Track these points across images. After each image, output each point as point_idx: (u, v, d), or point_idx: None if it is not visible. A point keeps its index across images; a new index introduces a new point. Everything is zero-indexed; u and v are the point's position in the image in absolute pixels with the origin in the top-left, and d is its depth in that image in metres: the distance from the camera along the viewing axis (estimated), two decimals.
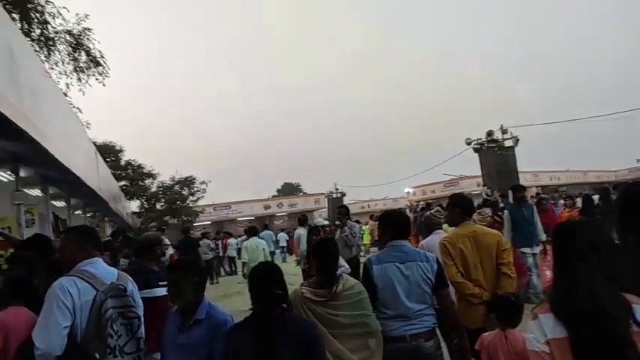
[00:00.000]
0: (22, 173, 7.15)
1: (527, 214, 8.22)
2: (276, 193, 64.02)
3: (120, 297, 2.72)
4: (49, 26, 13.35)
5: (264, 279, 2.63)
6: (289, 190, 67.43)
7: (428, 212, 5.75)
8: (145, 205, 30.59)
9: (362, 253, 10.80)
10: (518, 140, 18.59)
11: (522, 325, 3.13)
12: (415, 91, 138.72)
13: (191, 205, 31.61)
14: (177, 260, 3.06)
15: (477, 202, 11.92)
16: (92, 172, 10.64)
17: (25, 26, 12.51)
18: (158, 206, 30.61)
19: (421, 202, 29.40)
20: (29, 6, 12.27)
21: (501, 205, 11.04)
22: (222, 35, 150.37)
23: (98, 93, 30.21)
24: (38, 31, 13.19)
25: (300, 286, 3.08)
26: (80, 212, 14.33)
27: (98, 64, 14.99)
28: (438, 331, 3.35)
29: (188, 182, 31.64)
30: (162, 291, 3.87)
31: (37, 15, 12.74)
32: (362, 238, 17.73)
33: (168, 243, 10.77)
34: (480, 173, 19.89)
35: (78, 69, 14.69)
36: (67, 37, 14.06)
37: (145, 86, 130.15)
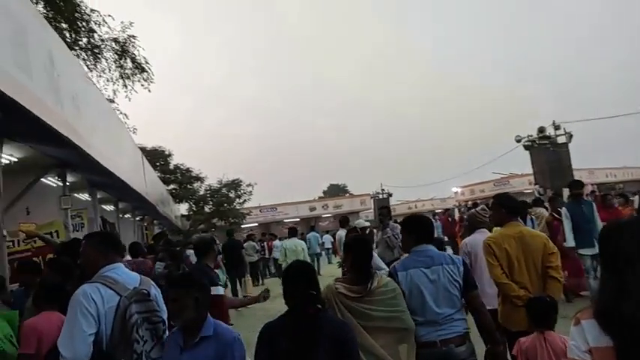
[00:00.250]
0: (69, 178, 7.35)
1: (586, 211, 7.66)
2: (322, 195, 64.16)
3: (144, 302, 2.66)
4: (95, 34, 13.79)
5: (298, 279, 2.61)
6: (335, 191, 67.47)
7: (472, 210, 5.54)
8: (194, 208, 31.32)
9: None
10: (571, 136, 17.84)
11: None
12: (464, 88, 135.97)
13: (238, 207, 32.11)
14: (179, 275, 2.87)
15: (529, 200, 11.48)
16: (138, 176, 10.89)
17: (73, 35, 12.97)
18: (206, 209, 31.29)
19: (469, 202, 28.69)
20: (76, 15, 12.68)
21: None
22: (261, 35, 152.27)
23: (145, 97, 31.13)
24: (85, 40, 13.63)
25: (335, 281, 3.06)
26: (129, 216, 14.73)
27: (143, 70, 15.32)
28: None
29: (235, 185, 32.17)
30: (221, 289, 4.39)
31: (84, 24, 13.16)
32: None
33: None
34: (531, 171, 19.26)
35: (124, 75, 15.10)
36: (113, 45, 14.47)
37: (184, 88, 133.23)
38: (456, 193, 44.11)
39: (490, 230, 4.70)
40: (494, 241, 3.95)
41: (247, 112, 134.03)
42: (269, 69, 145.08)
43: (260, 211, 38.73)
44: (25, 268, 4.37)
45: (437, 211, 35.00)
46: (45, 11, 11.88)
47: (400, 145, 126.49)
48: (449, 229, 16.57)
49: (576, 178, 16.45)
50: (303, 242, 9.94)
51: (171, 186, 29.85)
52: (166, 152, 30.58)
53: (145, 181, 11.89)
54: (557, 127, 18.21)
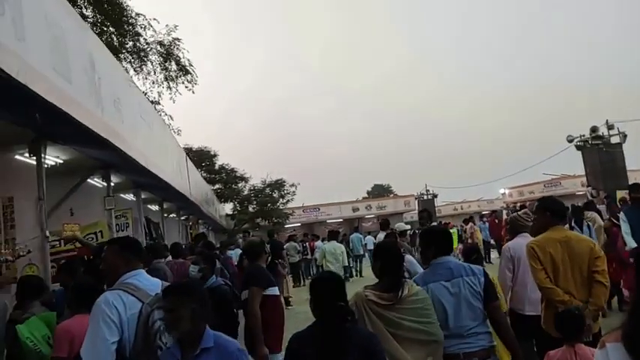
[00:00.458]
0: (115, 179, 7.52)
1: None
2: (365, 195, 63.80)
3: None
4: (140, 38, 14.14)
5: (326, 290, 2.56)
6: (379, 191, 66.96)
7: (514, 214, 5.38)
8: (238, 208, 31.77)
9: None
10: (625, 136, 17.04)
11: None
12: (513, 86, 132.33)
13: (281, 207, 32.33)
14: (176, 284, 2.66)
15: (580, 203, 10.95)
16: (182, 176, 11.07)
17: (120, 39, 13.33)
18: (250, 209, 31.70)
19: (518, 204, 27.81)
20: (123, 19, 13.02)
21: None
22: (303, 35, 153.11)
23: (190, 98, 31.82)
24: (131, 44, 14.00)
25: (364, 288, 3.02)
26: (174, 215, 15.02)
27: (187, 72, 15.62)
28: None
29: (278, 185, 32.43)
30: (276, 290, 4.61)
31: (130, 27, 13.51)
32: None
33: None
34: (583, 172, 18.52)
35: (168, 78, 15.43)
36: (158, 48, 14.82)
37: (225, 88, 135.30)
38: (503, 194, 42.87)
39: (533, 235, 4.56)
40: (539, 245, 3.88)
41: (293, 114, 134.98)
42: (316, 70, 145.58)
43: (303, 211, 38.82)
44: (62, 269, 4.45)
45: (484, 212, 34.16)
46: (93, 15, 12.28)
47: (447, 145, 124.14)
48: (496, 231, 16.14)
49: (630, 179, 15.70)
50: (342, 246, 9.86)
51: (217, 186, 30.42)
52: (212, 152, 31.22)
53: (189, 182, 12.09)
54: (610, 127, 17.48)
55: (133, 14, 13.48)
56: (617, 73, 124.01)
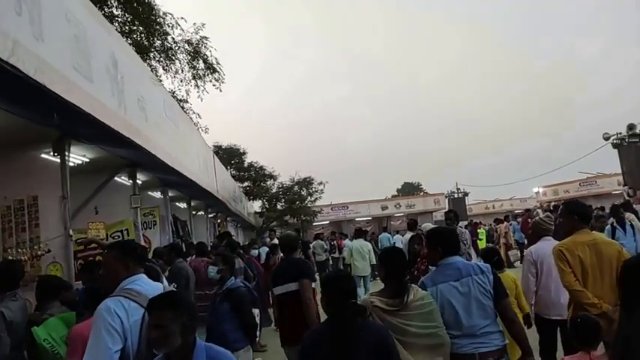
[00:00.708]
0: (142, 177, 7.55)
1: None
2: (395, 193, 63.28)
3: None
4: (168, 37, 14.24)
5: (338, 289, 2.61)
6: (409, 189, 66.39)
7: (536, 217, 5.26)
8: (267, 205, 31.86)
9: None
10: None
11: None
12: (545, 84, 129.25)
13: (310, 205, 32.28)
14: (162, 296, 2.37)
15: (617, 202, 10.51)
16: (209, 174, 11.09)
17: (150, 38, 13.44)
18: (279, 206, 31.72)
19: (552, 203, 27.08)
20: (151, 18, 13.13)
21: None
22: (340, 38, 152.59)
23: (220, 97, 32.01)
24: (159, 42, 14.11)
25: (370, 295, 3.09)
26: (202, 213, 15.08)
27: (214, 70, 15.63)
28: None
29: (307, 183, 32.37)
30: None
31: (158, 27, 13.61)
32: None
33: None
34: (619, 171, 17.94)
35: (196, 76, 15.48)
36: (186, 47, 14.90)
37: (261, 88, 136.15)
38: (537, 193, 41.84)
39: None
40: (567, 248, 3.86)
41: (329, 115, 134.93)
42: (350, 74, 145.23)
43: (331, 209, 38.65)
44: (82, 268, 4.46)
45: (517, 211, 33.39)
46: (123, 14, 12.42)
47: (479, 143, 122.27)
48: (528, 230, 15.64)
49: None
50: (369, 244, 9.75)
51: (245, 183, 30.58)
52: (241, 150, 31.38)
53: (216, 179, 12.10)
54: None
55: (161, 13, 13.62)
56: None
